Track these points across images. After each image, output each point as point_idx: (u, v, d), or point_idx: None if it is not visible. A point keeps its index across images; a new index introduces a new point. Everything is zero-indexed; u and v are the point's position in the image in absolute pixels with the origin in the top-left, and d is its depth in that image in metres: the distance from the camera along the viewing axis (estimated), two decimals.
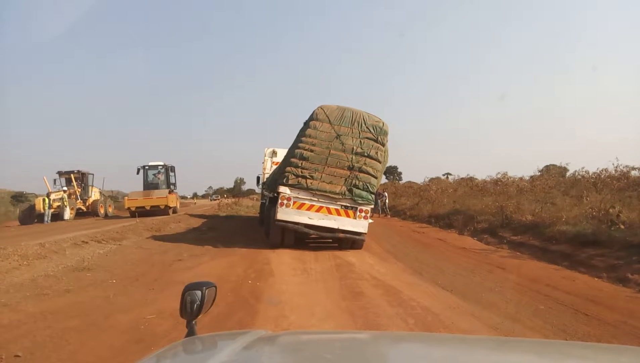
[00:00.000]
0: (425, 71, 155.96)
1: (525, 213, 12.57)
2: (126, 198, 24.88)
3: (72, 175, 25.16)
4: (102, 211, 25.95)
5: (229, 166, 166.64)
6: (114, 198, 34.76)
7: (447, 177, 36.03)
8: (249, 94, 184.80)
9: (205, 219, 20.73)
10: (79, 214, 24.54)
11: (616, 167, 15.78)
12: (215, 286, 1.64)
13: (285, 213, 10.14)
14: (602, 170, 16.66)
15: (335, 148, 10.18)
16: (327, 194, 10.09)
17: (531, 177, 22.12)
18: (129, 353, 4.03)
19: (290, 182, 10.14)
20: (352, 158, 10.18)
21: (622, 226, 8.96)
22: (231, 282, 7.02)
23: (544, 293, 6.30)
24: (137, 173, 25.27)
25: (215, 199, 60.96)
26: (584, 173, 18.71)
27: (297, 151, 10.28)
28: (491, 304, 5.76)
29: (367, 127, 10.34)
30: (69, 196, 23.85)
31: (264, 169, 18.93)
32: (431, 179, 33.93)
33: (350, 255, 9.76)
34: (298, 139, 10.53)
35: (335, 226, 10.19)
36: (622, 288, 6.60)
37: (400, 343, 1.63)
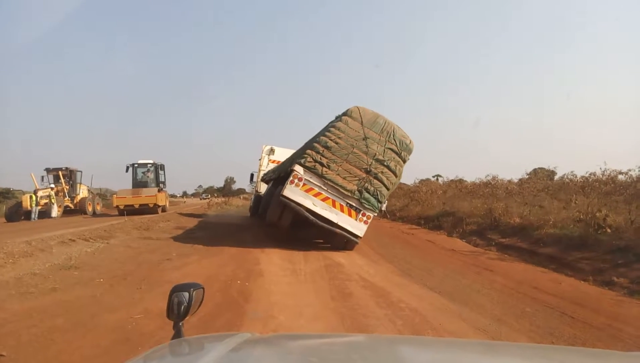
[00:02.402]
0: (418, 71, 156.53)
1: (513, 215, 12.69)
2: (115, 196, 24.60)
3: (60, 172, 24.88)
4: (90, 209, 25.68)
5: (219, 165, 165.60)
6: (103, 195, 34.54)
7: (437, 179, 36.14)
8: (240, 94, 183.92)
9: (195, 219, 20.66)
10: (67, 212, 24.27)
11: (604, 171, 15.96)
12: (203, 288, 1.63)
13: (292, 191, 10.15)
14: (590, 174, 16.85)
15: (358, 148, 10.30)
16: (337, 187, 10.15)
17: (520, 180, 22.30)
18: (115, 353, 4.00)
19: (307, 164, 10.19)
20: (372, 162, 10.28)
21: (609, 230, 9.08)
22: (220, 282, 6.99)
23: (530, 296, 6.36)
24: (126, 170, 25.04)
25: (205, 199, 60.66)
26: (572, 176, 18.92)
27: (322, 138, 10.39)
28: (479, 306, 5.81)
29: (394, 139, 10.50)
30: (57, 193, 23.54)
31: (260, 165, 19.06)
32: (421, 181, 34.05)
33: (339, 256, 9.77)
34: (326, 128, 10.67)
35: (335, 221, 10.21)
36: (608, 291, 6.68)
37: (387, 346, 1.63)
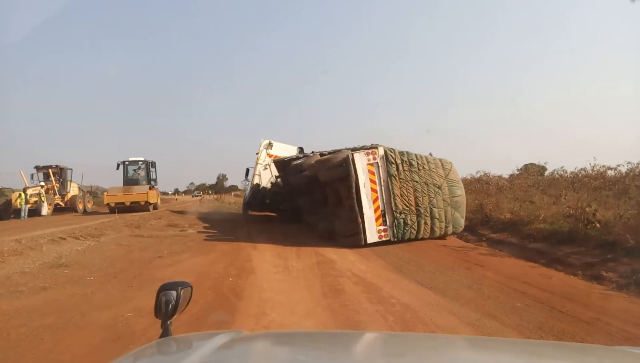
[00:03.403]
0: (414, 65, 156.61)
1: (504, 211, 12.75)
2: (105, 193, 24.43)
3: (50, 170, 24.68)
4: (80, 206, 25.53)
5: (212, 162, 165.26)
6: (93, 193, 34.23)
7: None
8: (232, 92, 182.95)
9: (187, 216, 20.59)
10: (57, 209, 24.10)
11: (593, 167, 16.06)
12: (191, 286, 1.63)
13: (360, 159, 10.40)
14: (579, 169, 16.95)
15: (428, 188, 10.77)
16: (390, 194, 10.41)
17: (510, 175, 22.39)
18: (105, 352, 3.99)
19: (389, 155, 10.49)
20: (428, 208, 10.69)
21: (598, 225, 9.15)
22: (211, 279, 6.99)
23: (520, 291, 6.40)
24: (117, 168, 24.88)
25: (197, 196, 60.50)
26: (562, 172, 19.01)
27: (413, 154, 10.89)
28: (469, 301, 5.84)
29: (455, 210, 11.13)
30: (47, 191, 23.34)
31: (258, 159, 18.79)
32: None
33: (331, 252, 9.77)
34: (421, 154, 11.17)
35: (365, 211, 10.34)
36: (597, 286, 6.74)
37: (378, 342, 1.64)
